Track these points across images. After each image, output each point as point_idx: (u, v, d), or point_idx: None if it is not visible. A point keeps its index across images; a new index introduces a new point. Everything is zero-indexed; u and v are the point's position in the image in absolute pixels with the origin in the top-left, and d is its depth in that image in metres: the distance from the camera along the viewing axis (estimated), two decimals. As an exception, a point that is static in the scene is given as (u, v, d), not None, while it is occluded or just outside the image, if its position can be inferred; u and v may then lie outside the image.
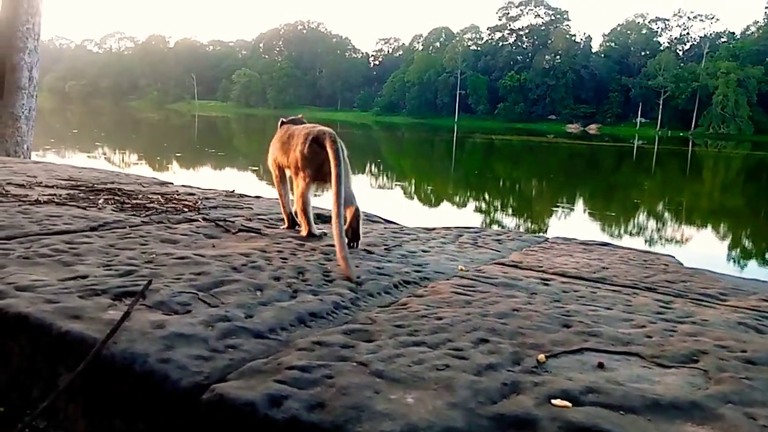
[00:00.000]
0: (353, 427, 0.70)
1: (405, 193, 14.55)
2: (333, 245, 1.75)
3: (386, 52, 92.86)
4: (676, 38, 74.67)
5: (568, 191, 16.10)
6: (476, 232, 2.27)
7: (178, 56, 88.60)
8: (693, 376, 0.90)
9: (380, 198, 12.85)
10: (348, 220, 1.72)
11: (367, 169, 19.49)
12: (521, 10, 76.22)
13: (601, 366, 0.92)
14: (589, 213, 12.49)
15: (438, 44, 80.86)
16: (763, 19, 67.89)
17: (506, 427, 0.72)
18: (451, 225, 2.48)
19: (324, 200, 2.69)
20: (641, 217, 12.25)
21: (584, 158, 30.63)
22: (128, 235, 1.68)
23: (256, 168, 15.63)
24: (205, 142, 28.04)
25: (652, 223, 11.66)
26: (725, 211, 13.91)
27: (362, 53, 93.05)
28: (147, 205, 2.27)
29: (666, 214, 12.83)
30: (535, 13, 75.88)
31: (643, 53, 71.69)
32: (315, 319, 1.11)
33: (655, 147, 41.78)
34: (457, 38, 79.18)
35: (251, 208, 2.42)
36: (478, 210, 12.63)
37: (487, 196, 14.99)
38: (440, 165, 23.20)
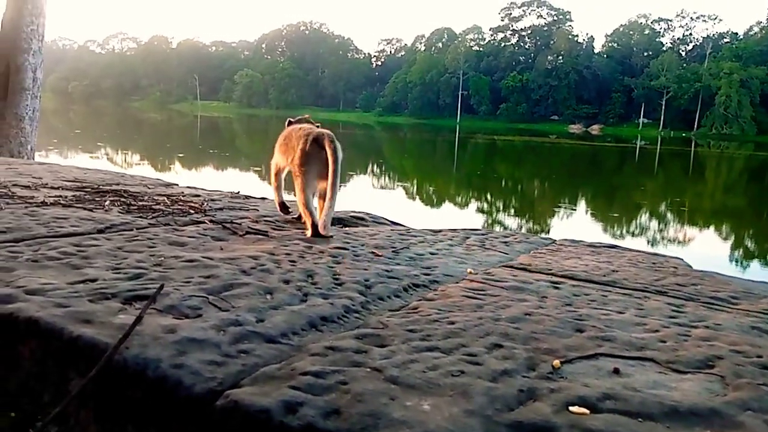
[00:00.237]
0: (370, 434, 0.69)
1: (408, 194, 14.54)
2: (340, 247, 1.78)
3: (388, 53, 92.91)
4: (678, 39, 74.59)
5: (572, 192, 16.08)
6: (483, 234, 2.26)
7: (180, 57, 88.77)
8: (710, 382, 0.89)
9: (384, 198, 12.85)
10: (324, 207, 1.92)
11: (370, 169, 19.49)
12: (524, 10, 76.20)
13: (616, 371, 0.91)
14: (594, 214, 12.48)
15: (440, 45, 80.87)
16: (766, 19, 67.80)
17: (524, 435, 0.71)
18: (456, 226, 2.47)
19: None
20: (646, 219, 12.22)
21: (587, 159, 30.59)
22: (136, 238, 1.68)
23: (259, 169, 15.65)
24: (208, 142, 28.08)
25: (658, 225, 11.64)
26: (730, 212, 13.87)
27: (364, 54, 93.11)
28: (153, 206, 2.27)
29: (671, 216, 12.80)
30: (538, 14, 75.86)
31: (645, 54, 71.62)
32: (326, 323, 1.10)
33: (658, 147, 41.72)
34: (460, 39, 79.17)
35: (257, 210, 2.42)
36: (483, 211, 12.63)
37: (490, 197, 14.98)
38: (443, 165, 23.19)
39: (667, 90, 63.09)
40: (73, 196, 2.39)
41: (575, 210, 13.14)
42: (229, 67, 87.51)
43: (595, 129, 63.56)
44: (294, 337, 1.02)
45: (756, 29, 69.48)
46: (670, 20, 74.62)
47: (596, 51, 76.57)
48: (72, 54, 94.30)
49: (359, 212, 2.57)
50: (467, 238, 2.15)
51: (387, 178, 18.30)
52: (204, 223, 2.02)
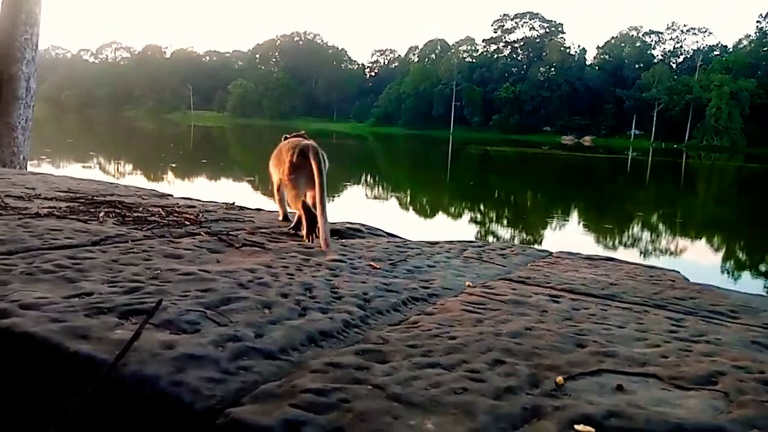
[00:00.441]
0: (374, 455, 0.68)
1: (402, 204, 14.55)
2: (338, 260, 1.77)
3: (382, 64, 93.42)
4: (669, 51, 75.46)
5: (565, 203, 16.15)
6: (480, 247, 2.25)
7: (174, 66, 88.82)
8: (714, 399, 0.89)
9: (378, 208, 12.85)
10: (306, 215, 2.05)
11: (364, 179, 19.50)
12: (516, 22, 76.93)
13: (620, 388, 0.90)
14: (587, 225, 12.52)
15: (434, 56, 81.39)
16: (755, 32, 68.71)
17: (530, 455, 0.70)
18: (451, 236, 2.47)
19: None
20: (639, 230, 12.28)
21: (579, 170, 30.77)
22: (131, 250, 1.66)
23: (252, 179, 15.62)
24: (202, 152, 28.02)
25: (651, 236, 11.69)
26: (722, 224, 13.96)
27: (358, 64, 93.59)
28: (148, 218, 2.25)
29: (664, 227, 12.87)
30: (530, 26, 76.60)
31: (636, 66, 72.37)
32: (326, 338, 1.09)
33: (649, 159, 42.04)
34: (453, 50, 79.74)
35: (253, 221, 2.41)
36: (477, 221, 12.65)
37: (484, 208, 15.01)
38: (437, 176, 23.25)
39: (659, 102, 63.71)
40: (67, 207, 2.36)
41: (569, 221, 13.19)
42: (223, 77, 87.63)
43: (587, 140, 64.00)
44: (293, 352, 1.00)
45: (745, 42, 70.42)
46: (661, 33, 75.53)
47: (588, 63, 77.30)
48: (65, 63, 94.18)
49: (355, 223, 2.56)
50: (464, 250, 2.15)
51: (381, 188, 18.32)
52: (200, 235, 2.01)
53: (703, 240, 11.73)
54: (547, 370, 0.96)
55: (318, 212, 1.92)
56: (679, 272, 2.03)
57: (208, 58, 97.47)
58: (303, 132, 2.40)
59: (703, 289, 1.74)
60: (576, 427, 0.76)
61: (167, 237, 1.93)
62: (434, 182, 20.62)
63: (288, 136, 2.31)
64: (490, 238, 10.21)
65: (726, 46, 73.16)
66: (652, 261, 8.61)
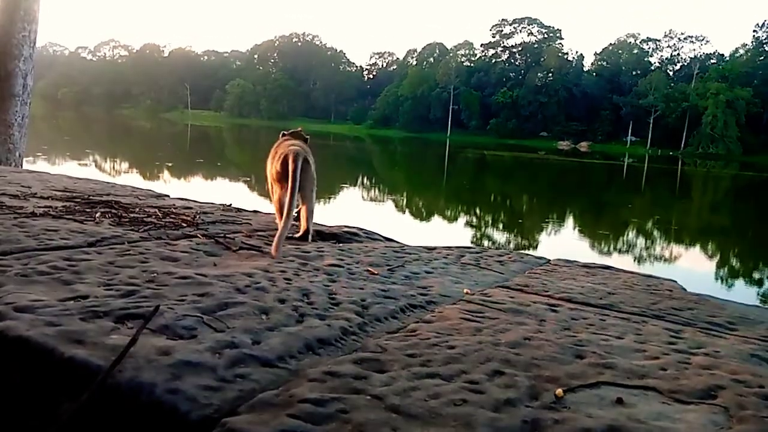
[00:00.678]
0: (373, 468, 0.67)
1: (398, 207, 14.55)
2: (335, 264, 1.76)
3: (380, 66, 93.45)
4: (666, 59, 75.72)
5: (561, 208, 16.17)
6: (478, 253, 2.25)
7: (172, 65, 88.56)
8: (714, 413, 0.88)
9: (374, 210, 12.84)
10: (304, 216, 2.15)
11: (360, 181, 19.48)
12: (514, 27, 77.05)
13: (620, 401, 0.90)
14: (584, 231, 12.54)
15: (432, 59, 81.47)
16: (752, 41, 69.09)
17: (531, 470, 0.70)
18: (447, 239, 2.46)
19: (323, 218, 2.68)
20: (634, 236, 12.31)
21: (576, 175, 30.84)
22: (127, 252, 1.65)
23: (249, 179, 15.58)
24: (199, 151, 27.96)
25: (647, 243, 11.72)
26: (717, 231, 14.01)
27: (356, 66, 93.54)
28: (144, 219, 2.24)
29: (660, 234, 12.90)
30: (528, 31, 76.74)
31: (634, 73, 72.58)
32: (323, 346, 1.08)
33: (645, 165, 42.18)
34: (451, 54, 79.83)
35: (250, 224, 2.40)
36: (473, 225, 12.65)
37: (480, 212, 15.02)
38: (434, 179, 23.25)
39: (655, 109, 63.92)
40: (63, 206, 2.35)
41: (565, 226, 13.21)
42: (220, 76, 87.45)
43: (583, 146, 64.15)
44: (291, 360, 0.99)
45: (741, 51, 70.77)
46: (659, 40, 75.79)
47: (585, 69, 77.51)
48: (63, 60, 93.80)
49: (352, 227, 2.56)
50: (462, 256, 2.14)
51: (377, 190, 18.30)
52: (196, 237, 1.99)
53: (699, 248, 11.77)
54: (547, 382, 0.95)
55: (283, 215, 1.94)
56: (676, 281, 2.03)
57: (206, 57, 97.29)
58: (300, 129, 2.40)
59: (700, 300, 1.74)
60: (576, 441, 0.76)
61: (164, 239, 1.92)
62: (431, 185, 20.64)
63: (286, 133, 2.34)
64: (487, 242, 10.22)
65: (723, 55, 73.53)
66: (647, 268, 8.63)
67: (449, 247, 2.31)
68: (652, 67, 72.83)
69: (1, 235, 1.72)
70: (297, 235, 2.16)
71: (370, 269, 1.75)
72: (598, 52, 77.89)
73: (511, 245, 10.11)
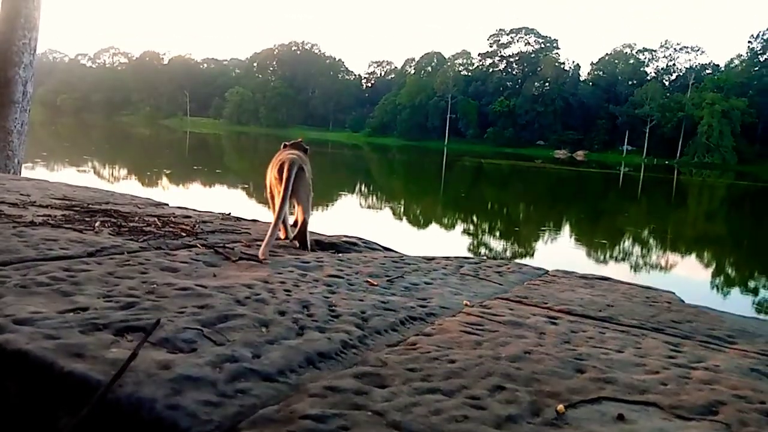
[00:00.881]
0: (375, 486, 0.67)
1: (396, 215, 14.55)
2: (335, 275, 1.76)
3: (379, 75, 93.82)
4: (662, 69, 76.18)
5: (558, 217, 16.19)
6: (476, 263, 2.25)
7: (171, 73, 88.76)
8: (716, 430, 0.88)
9: (372, 218, 12.83)
10: (299, 225, 2.19)
11: (359, 189, 19.50)
12: (512, 37, 77.50)
13: (621, 418, 0.90)
14: (581, 240, 12.55)
15: (430, 68, 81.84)
16: (747, 52, 69.59)
17: (533, 488, 0.69)
18: (445, 248, 2.46)
19: (321, 227, 2.68)
20: (633, 246, 12.32)
21: (572, 184, 30.92)
22: (127, 262, 1.64)
23: (247, 186, 15.58)
24: (197, 159, 27.96)
25: (644, 252, 11.74)
26: (713, 241, 14.03)
27: (355, 75, 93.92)
28: (144, 228, 2.23)
29: (657, 244, 12.92)
30: (526, 41, 77.19)
31: (630, 82, 72.99)
32: (324, 359, 1.08)
33: (641, 174, 42.31)
34: (449, 63, 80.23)
35: (249, 233, 2.39)
36: (470, 233, 12.65)
37: (477, 220, 15.03)
38: (431, 187, 23.28)
39: (651, 118, 64.23)
40: (63, 215, 2.34)
41: (562, 235, 13.23)
42: (220, 84, 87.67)
43: (579, 155, 64.37)
44: (291, 375, 0.99)
45: (737, 62, 71.26)
46: (655, 50, 76.27)
47: (582, 78, 77.92)
48: (62, 67, 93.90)
49: (351, 237, 2.56)
50: (461, 266, 2.14)
51: (375, 198, 18.31)
52: (196, 247, 1.99)
53: (696, 257, 11.79)
54: (548, 397, 0.95)
55: (272, 221, 2.02)
56: (674, 293, 2.03)
57: (205, 65, 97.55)
58: (300, 140, 2.44)
59: (698, 312, 1.74)
60: (578, 458, 0.76)
61: (163, 249, 1.91)
62: (429, 193, 20.65)
63: (287, 144, 2.37)
64: (484, 252, 10.22)
65: (718, 65, 74.03)
66: (644, 278, 8.64)
67: (448, 258, 2.31)
68: (648, 77, 73.28)
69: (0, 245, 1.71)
70: (294, 241, 2.22)
71: (369, 280, 1.75)
72: (594, 62, 78.40)
73: (509, 254, 10.11)
